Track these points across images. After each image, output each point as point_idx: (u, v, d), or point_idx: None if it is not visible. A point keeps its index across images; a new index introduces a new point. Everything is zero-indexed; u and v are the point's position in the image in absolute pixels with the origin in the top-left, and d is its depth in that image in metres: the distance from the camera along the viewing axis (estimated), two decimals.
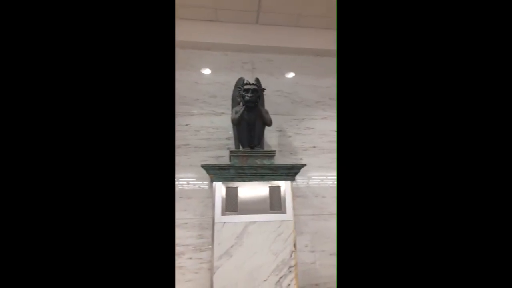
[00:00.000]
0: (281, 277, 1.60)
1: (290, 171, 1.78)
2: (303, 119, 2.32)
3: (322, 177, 2.22)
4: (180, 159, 2.08)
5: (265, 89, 1.95)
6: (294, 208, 1.74)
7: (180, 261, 1.90)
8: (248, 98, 1.78)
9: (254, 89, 1.80)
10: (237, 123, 1.84)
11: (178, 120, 2.16)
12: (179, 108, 2.18)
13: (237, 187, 1.72)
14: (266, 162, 1.79)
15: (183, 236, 1.95)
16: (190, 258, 1.92)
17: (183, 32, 2.20)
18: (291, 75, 2.42)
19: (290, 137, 2.27)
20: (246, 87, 1.81)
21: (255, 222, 1.66)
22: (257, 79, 1.94)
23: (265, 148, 2.02)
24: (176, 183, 2.05)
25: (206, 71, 2.32)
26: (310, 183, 2.20)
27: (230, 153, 1.82)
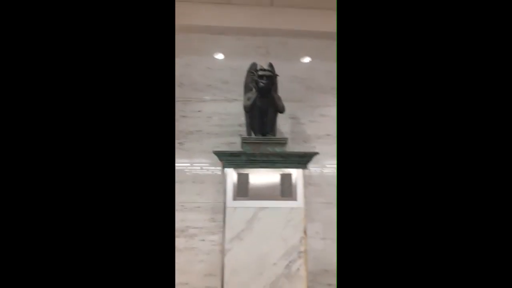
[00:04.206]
0: (290, 262, 1.62)
1: (302, 159, 1.76)
2: (318, 106, 2.26)
3: (335, 166, 2.18)
4: (193, 145, 2.12)
5: (278, 75, 1.88)
6: (305, 196, 1.74)
7: (193, 243, 1.98)
8: (262, 85, 1.72)
9: (269, 75, 1.74)
10: (249, 110, 1.82)
11: (191, 106, 2.17)
12: (192, 94, 2.19)
13: (248, 174, 1.73)
14: (277, 149, 1.78)
15: (196, 219, 2.01)
16: (203, 240, 1.99)
17: (195, 15, 2.17)
18: (306, 59, 2.34)
19: (303, 124, 2.23)
20: (260, 73, 1.74)
21: (266, 208, 1.68)
22: (270, 65, 1.89)
23: (278, 136, 2.00)
24: (190, 168, 2.09)
25: (219, 56, 2.29)
26: (323, 171, 2.17)
27: (242, 139, 1.82)
